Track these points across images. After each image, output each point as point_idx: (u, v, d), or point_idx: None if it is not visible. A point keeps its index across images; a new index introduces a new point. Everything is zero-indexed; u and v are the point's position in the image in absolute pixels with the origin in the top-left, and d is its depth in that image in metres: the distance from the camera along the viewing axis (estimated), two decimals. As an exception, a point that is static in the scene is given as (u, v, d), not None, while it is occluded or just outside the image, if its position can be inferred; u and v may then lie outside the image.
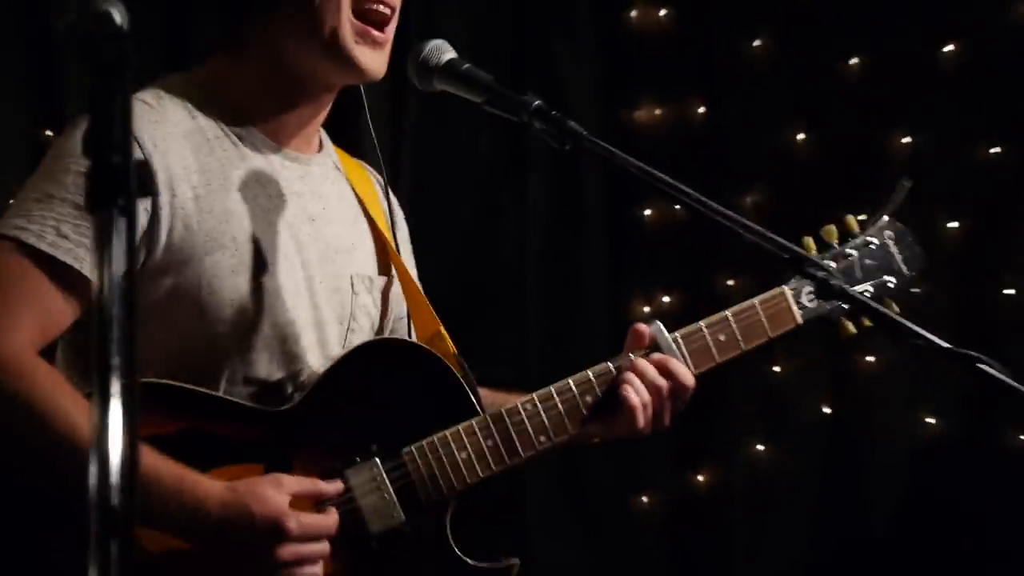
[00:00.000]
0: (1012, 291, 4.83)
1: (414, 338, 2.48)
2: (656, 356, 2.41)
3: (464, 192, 4.60)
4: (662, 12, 4.80)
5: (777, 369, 4.81)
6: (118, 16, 1.32)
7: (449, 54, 2.29)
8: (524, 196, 4.63)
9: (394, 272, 2.51)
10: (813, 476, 4.84)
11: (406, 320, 2.53)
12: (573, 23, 4.73)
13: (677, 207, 4.78)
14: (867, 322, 2.60)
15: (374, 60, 2.32)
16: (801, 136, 4.83)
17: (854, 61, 4.84)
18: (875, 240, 2.67)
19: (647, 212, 4.76)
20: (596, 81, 4.75)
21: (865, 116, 4.84)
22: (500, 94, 2.25)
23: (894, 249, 2.71)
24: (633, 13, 4.78)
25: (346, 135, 2.65)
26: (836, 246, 2.62)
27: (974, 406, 4.64)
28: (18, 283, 2.12)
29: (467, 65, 2.28)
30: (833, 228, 2.63)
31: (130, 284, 1.30)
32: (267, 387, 2.27)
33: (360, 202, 2.48)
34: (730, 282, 4.66)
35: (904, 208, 4.69)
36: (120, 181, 1.29)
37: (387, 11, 2.31)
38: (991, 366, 2.04)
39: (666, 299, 4.73)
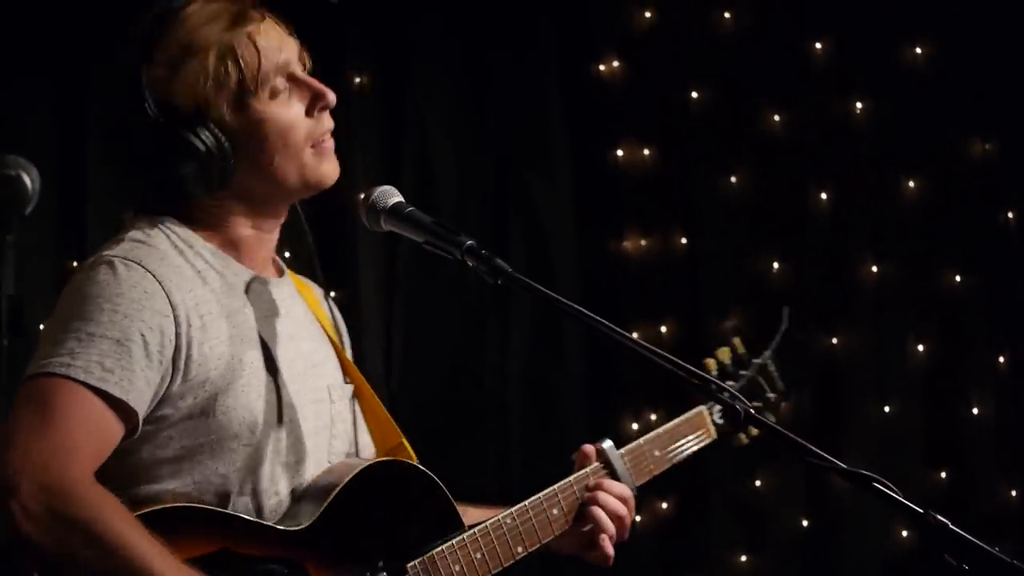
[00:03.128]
0: (976, 410, 5.08)
1: (367, 444, 2.63)
2: (616, 486, 2.65)
3: (453, 321, 4.79)
4: (645, 151, 5.09)
5: (758, 484, 5.05)
6: (29, 182, 1.48)
7: (395, 198, 2.42)
8: (508, 323, 4.85)
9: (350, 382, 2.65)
10: (792, 586, 5.05)
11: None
12: (552, 162, 4.99)
13: (663, 328, 5.05)
14: (754, 432, 2.95)
15: (332, 168, 2.46)
16: (776, 265, 5.11)
17: (824, 195, 5.13)
18: (759, 360, 3.01)
19: (633, 335, 4.99)
20: (576, 215, 5.01)
21: (835, 246, 5.12)
22: (437, 234, 2.36)
23: (772, 368, 3.03)
24: (619, 151, 5.07)
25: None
26: (731, 366, 2.97)
27: (949, 519, 4.86)
28: (73, 416, 2.22)
29: (410, 208, 2.41)
30: (727, 350, 2.97)
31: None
32: (272, 496, 2.39)
33: (316, 318, 2.61)
34: (711, 400, 4.89)
35: (874, 331, 4.99)
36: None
37: (331, 126, 2.47)
38: (885, 485, 2.22)
39: (653, 416, 4.93)
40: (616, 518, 2.63)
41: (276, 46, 2.42)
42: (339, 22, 4.59)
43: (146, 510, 2.24)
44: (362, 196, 2.47)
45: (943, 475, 5.03)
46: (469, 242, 2.35)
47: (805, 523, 5.05)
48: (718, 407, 2.86)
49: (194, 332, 2.32)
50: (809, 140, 5.11)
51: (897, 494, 2.25)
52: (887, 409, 5.09)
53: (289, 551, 2.34)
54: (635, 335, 4.95)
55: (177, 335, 2.30)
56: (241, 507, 2.37)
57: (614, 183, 5.09)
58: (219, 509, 2.34)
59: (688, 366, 2.33)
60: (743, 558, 5.03)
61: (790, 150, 5.11)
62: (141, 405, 2.27)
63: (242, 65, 2.38)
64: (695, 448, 2.84)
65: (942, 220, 5.11)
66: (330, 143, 2.48)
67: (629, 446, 2.72)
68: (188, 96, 2.36)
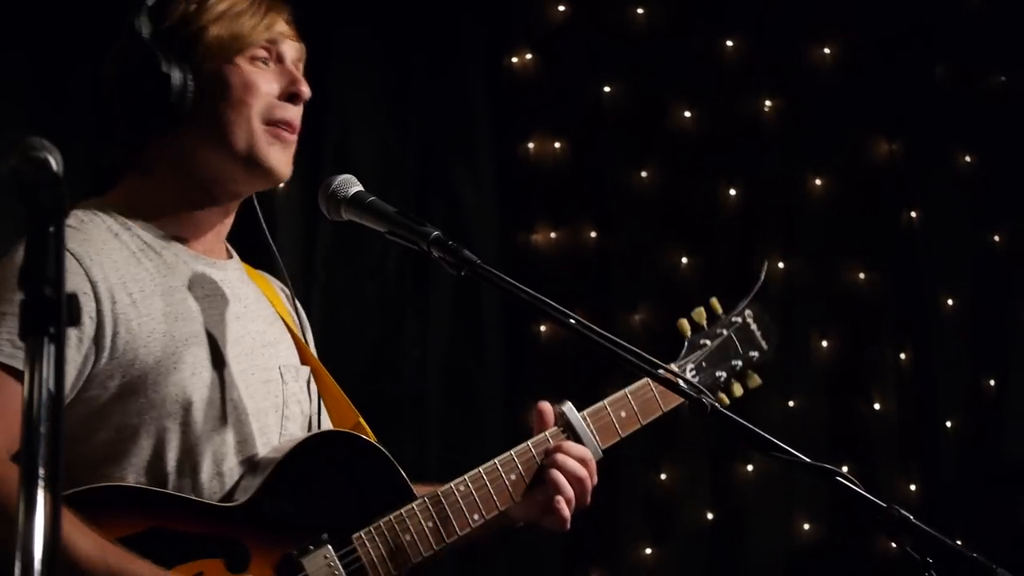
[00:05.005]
0: (878, 405, 5.18)
1: (329, 426, 2.62)
2: (576, 448, 2.60)
3: (371, 311, 4.76)
4: (557, 144, 5.09)
5: (663, 477, 5.08)
6: (55, 164, 1.43)
7: (356, 187, 2.42)
8: (427, 314, 4.82)
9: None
10: (697, 578, 5.09)
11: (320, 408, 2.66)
12: (473, 153, 4.98)
13: (572, 321, 5.03)
14: (740, 390, 2.90)
15: (283, 161, 2.46)
16: (685, 259, 5.14)
17: (733, 191, 5.18)
18: (739, 319, 2.93)
19: (543, 328, 5.00)
20: (496, 207, 5.00)
21: (743, 241, 5.16)
22: (402, 224, 2.36)
23: (754, 326, 2.95)
24: (530, 145, 5.07)
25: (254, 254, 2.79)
26: (706, 327, 2.88)
27: (847, 512, 4.95)
28: None
29: (372, 198, 2.41)
30: (702, 310, 2.89)
31: (58, 402, 1.40)
32: (214, 477, 2.38)
33: (271, 303, 2.61)
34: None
35: (778, 322, 5.04)
36: (53, 311, 1.39)
37: (288, 132, 2.48)
38: (847, 479, 2.24)
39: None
40: (576, 480, 2.56)
41: (279, 27, 2.48)
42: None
43: (70, 491, 2.21)
44: (320, 186, 2.45)
45: (845, 469, 5.08)
46: (435, 233, 2.33)
47: (710, 516, 5.10)
48: (690, 366, 2.81)
49: (121, 309, 2.31)
50: (719, 136, 5.16)
51: (859, 488, 2.27)
52: (791, 403, 5.16)
53: (226, 528, 2.33)
54: (543, 328, 4.99)
55: (99, 312, 2.29)
56: (183, 488, 2.35)
57: (525, 176, 5.08)
58: (149, 487, 2.32)
59: (654, 360, 2.33)
60: (648, 551, 5.05)
61: (700, 146, 5.15)
62: None
63: (241, 21, 2.42)
64: (665, 409, 2.75)
65: (847, 218, 5.19)
66: (289, 137, 2.48)
67: (592, 408, 2.67)
68: (180, 28, 2.41)
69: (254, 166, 2.44)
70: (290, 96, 2.47)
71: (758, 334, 2.94)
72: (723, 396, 2.87)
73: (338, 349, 4.62)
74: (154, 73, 2.37)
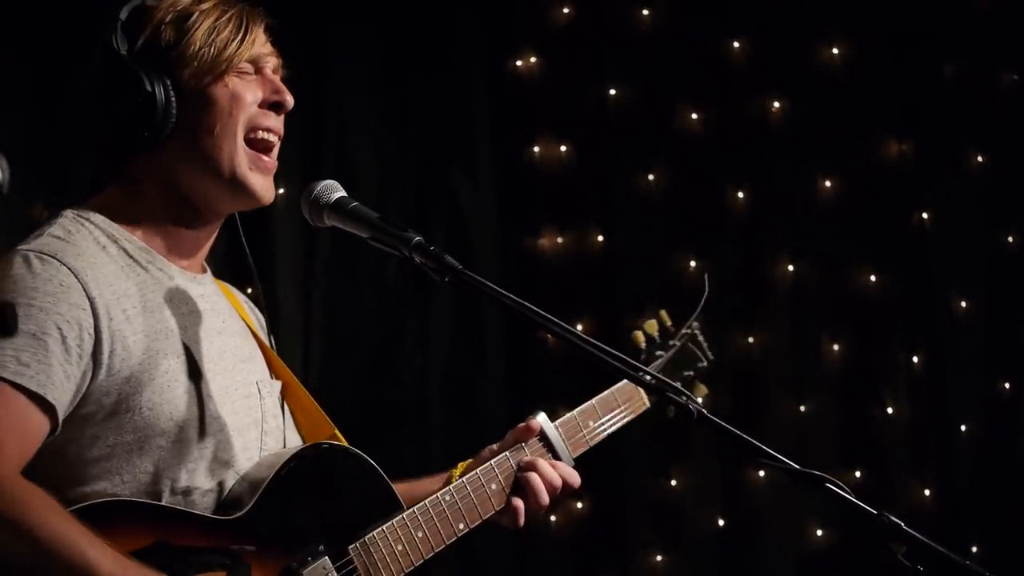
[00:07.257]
0: (891, 409, 5.12)
1: (297, 440, 2.64)
2: (558, 464, 2.66)
3: (372, 318, 4.74)
4: (562, 148, 5.05)
5: (674, 483, 5.04)
6: (1, 173, 1.42)
7: (338, 193, 2.41)
8: (428, 320, 4.80)
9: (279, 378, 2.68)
10: (708, 585, 5.04)
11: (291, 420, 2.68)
12: (475, 157, 4.94)
13: (579, 327, 5.01)
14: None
15: (265, 186, 2.47)
16: (692, 263, 5.09)
17: (741, 194, 5.14)
18: (688, 331, 3.02)
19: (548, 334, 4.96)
20: (498, 211, 4.96)
21: (751, 245, 5.13)
22: (384, 230, 2.34)
23: (701, 337, 3.04)
24: (535, 148, 5.03)
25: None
26: (658, 339, 2.95)
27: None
28: None
29: (354, 203, 2.40)
30: (654, 322, 2.97)
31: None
32: (206, 493, 2.39)
33: (240, 317, 2.62)
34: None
35: (789, 325, 5.00)
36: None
37: (274, 139, 2.49)
38: (837, 486, 2.24)
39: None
40: (552, 490, 2.64)
41: (260, 42, 2.49)
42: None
43: (75, 507, 2.21)
44: (303, 192, 2.44)
45: (858, 474, 5.06)
46: (417, 238, 2.32)
47: (721, 522, 5.06)
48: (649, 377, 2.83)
49: (116, 325, 2.30)
50: (726, 139, 5.12)
51: (850, 495, 2.26)
52: (802, 408, 5.12)
53: (226, 541, 2.34)
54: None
55: (97, 328, 2.28)
56: (178, 503, 2.36)
57: (531, 180, 5.04)
58: (151, 502, 2.32)
59: (642, 366, 2.35)
60: (658, 558, 5.02)
61: (707, 148, 5.11)
62: (61, 400, 2.24)
63: (225, 39, 2.43)
64: (630, 418, 2.84)
65: (857, 220, 5.14)
66: (270, 164, 2.48)
67: (563, 418, 2.73)
68: (161, 46, 2.41)
69: (236, 187, 2.45)
70: (273, 104, 2.48)
71: (704, 345, 3.02)
72: (670, 411, 2.83)
73: (338, 356, 4.61)
74: (140, 92, 2.38)
